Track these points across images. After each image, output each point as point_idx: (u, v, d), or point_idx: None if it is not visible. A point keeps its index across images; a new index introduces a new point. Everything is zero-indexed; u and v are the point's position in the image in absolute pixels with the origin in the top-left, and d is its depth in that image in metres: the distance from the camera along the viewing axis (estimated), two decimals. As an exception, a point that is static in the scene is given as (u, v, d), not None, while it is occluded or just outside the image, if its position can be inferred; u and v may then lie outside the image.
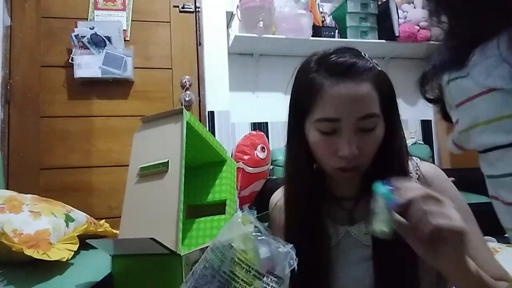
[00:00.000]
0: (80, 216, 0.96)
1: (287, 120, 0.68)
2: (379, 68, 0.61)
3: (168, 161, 0.71)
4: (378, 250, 0.61)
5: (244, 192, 1.89)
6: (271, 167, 2.15)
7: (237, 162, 1.80)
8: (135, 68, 1.90)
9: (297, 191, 0.68)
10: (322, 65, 0.60)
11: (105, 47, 1.83)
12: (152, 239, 0.57)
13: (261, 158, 1.93)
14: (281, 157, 2.14)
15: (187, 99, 1.92)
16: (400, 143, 0.63)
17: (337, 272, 0.64)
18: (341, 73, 0.58)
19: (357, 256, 0.63)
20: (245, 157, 1.90)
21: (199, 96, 1.99)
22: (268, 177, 2.03)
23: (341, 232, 0.66)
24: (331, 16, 2.39)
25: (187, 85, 1.95)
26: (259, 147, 1.94)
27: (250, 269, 0.47)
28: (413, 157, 0.68)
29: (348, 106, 0.57)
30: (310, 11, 2.21)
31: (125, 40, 1.90)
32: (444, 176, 0.66)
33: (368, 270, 0.61)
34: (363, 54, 0.63)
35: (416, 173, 0.65)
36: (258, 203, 2.05)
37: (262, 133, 2.09)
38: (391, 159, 0.62)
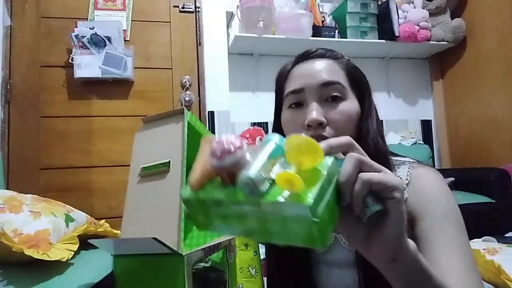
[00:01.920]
0: (80, 216, 0.96)
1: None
2: (349, 59, 0.66)
3: (169, 161, 0.71)
4: (361, 256, 0.59)
5: None
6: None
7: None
8: (135, 68, 1.89)
9: None
10: (296, 57, 0.67)
11: (105, 47, 1.83)
12: (154, 238, 0.57)
13: None
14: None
15: (187, 99, 1.92)
16: (373, 125, 0.62)
17: (323, 277, 0.64)
18: (305, 57, 0.65)
19: (344, 262, 0.63)
20: None
21: (199, 96, 1.99)
22: None
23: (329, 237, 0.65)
24: (331, 16, 2.39)
25: (187, 85, 1.95)
26: (258, 138, 1.98)
27: None
28: (409, 162, 0.64)
29: (310, 76, 0.62)
30: (310, 11, 2.21)
31: (125, 40, 1.90)
32: (431, 179, 0.60)
33: (354, 276, 0.60)
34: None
35: (407, 179, 0.60)
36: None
37: (260, 127, 2.11)
38: (364, 138, 0.60)
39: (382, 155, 0.60)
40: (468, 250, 0.54)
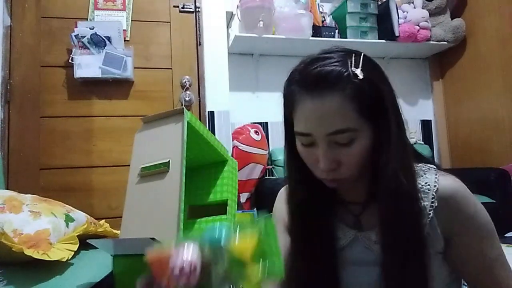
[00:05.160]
0: (80, 216, 0.96)
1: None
2: (361, 76, 0.55)
3: (169, 161, 0.71)
4: (386, 256, 0.59)
5: (240, 176, 1.89)
6: (271, 167, 2.16)
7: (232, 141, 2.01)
8: (135, 68, 1.89)
9: (302, 194, 0.67)
10: (301, 76, 0.59)
11: (105, 47, 1.83)
12: (153, 239, 0.57)
13: (255, 140, 2.03)
14: (281, 157, 2.14)
15: (187, 99, 1.92)
16: (392, 152, 0.58)
17: (343, 276, 0.63)
18: (311, 86, 0.56)
19: (365, 261, 0.63)
20: (240, 136, 2.03)
21: (199, 96, 1.99)
22: (267, 168, 2.13)
23: (349, 235, 0.65)
24: (331, 16, 2.39)
25: (187, 85, 1.95)
26: (252, 130, 2.07)
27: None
28: (435, 169, 0.64)
29: (315, 122, 0.57)
30: (310, 11, 2.21)
31: (125, 40, 1.90)
32: (463, 193, 0.60)
33: (375, 275, 0.60)
34: (350, 57, 0.57)
35: (435, 186, 0.60)
36: (259, 203, 2.05)
37: (257, 124, 2.20)
38: (384, 173, 0.58)
39: (405, 188, 0.57)
40: (504, 255, 0.60)
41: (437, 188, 0.60)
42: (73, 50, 1.81)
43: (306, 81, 0.57)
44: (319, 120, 0.56)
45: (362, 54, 0.59)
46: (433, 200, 0.60)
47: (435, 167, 0.65)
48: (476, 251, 0.59)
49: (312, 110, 0.56)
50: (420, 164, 0.65)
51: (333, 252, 0.64)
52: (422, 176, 0.62)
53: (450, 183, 0.61)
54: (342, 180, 0.61)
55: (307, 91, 0.57)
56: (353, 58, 0.57)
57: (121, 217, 0.76)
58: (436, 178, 0.61)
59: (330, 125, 0.55)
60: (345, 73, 0.55)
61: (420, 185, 0.61)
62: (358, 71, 0.55)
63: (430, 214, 0.59)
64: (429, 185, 0.61)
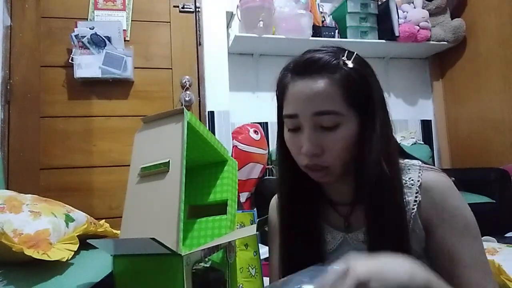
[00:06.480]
0: (80, 216, 0.96)
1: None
2: (351, 66, 0.58)
3: (169, 161, 0.71)
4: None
5: (240, 175, 1.89)
6: (271, 166, 2.16)
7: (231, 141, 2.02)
8: (135, 68, 1.89)
9: (289, 193, 0.68)
10: (293, 63, 0.63)
11: (105, 47, 1.83)
12: (153, 239, 0.57)
13: (255, 139, 2.04)
14: (281, 157, 2.15)
15: (187, 99, 1.92)
16: (376, 144, 0.58)
17: None
18: (302, 70, 0.60)
19: None
20: (239, 136, 2.05)
21: (199, 96, 1.99)
22: (267, 167, 2.14)
23: (338, 238, 0.66)
24: (331, 16, 2.39)
25: (187, 85, 1.95)
26: (252, 130, 2.08)
27: None
28: (419, 165, 0.64)
29: (303, 102, 0.58)
30: (310, 11, 2.21)
31: (125, 40, 1.90)
32: (447, 186, 0.61)
33: None
34: (343, 51, 0.60)
35: (418, 181, 0.61)
36: (259, 202, 2.05)
37: (257, 124, 2.22)
38: (366, 162, 0.58)
39: (388, 179, 0.58)
40: (485, 260, 0.58)
41: (420, 183, 0.61)
42: (73, 50, 1.81)
43: (297, 66, 0.61)
44: (305, 100, 0.58)
45: (355, 52, 0.62)
46: (416, 195, 0.60)
47: (420, 163, 0.65)
48: (450, 246, 0.57)
49: (300, 91, 0.59)
50: (405, 160, 0.65)
51: (322, 256, 0.65)
52: (406, 172, 0.62)
53: (433, 176, 0.61)
54: (327, 172, 0.60)
55: (297, 75, 0.60)
56: (346, 52, 0.61)
57: (121, 217, 0.76)
58: (420, 173, 0.62)
59: (316, 106, 0.57)
60: (335, 61, 0.58)
61: (404, 181, 0.61)
62: (348, 62, 0.59)
63: (414, 209, 0.59)
64: (412, 180, 0.61)
